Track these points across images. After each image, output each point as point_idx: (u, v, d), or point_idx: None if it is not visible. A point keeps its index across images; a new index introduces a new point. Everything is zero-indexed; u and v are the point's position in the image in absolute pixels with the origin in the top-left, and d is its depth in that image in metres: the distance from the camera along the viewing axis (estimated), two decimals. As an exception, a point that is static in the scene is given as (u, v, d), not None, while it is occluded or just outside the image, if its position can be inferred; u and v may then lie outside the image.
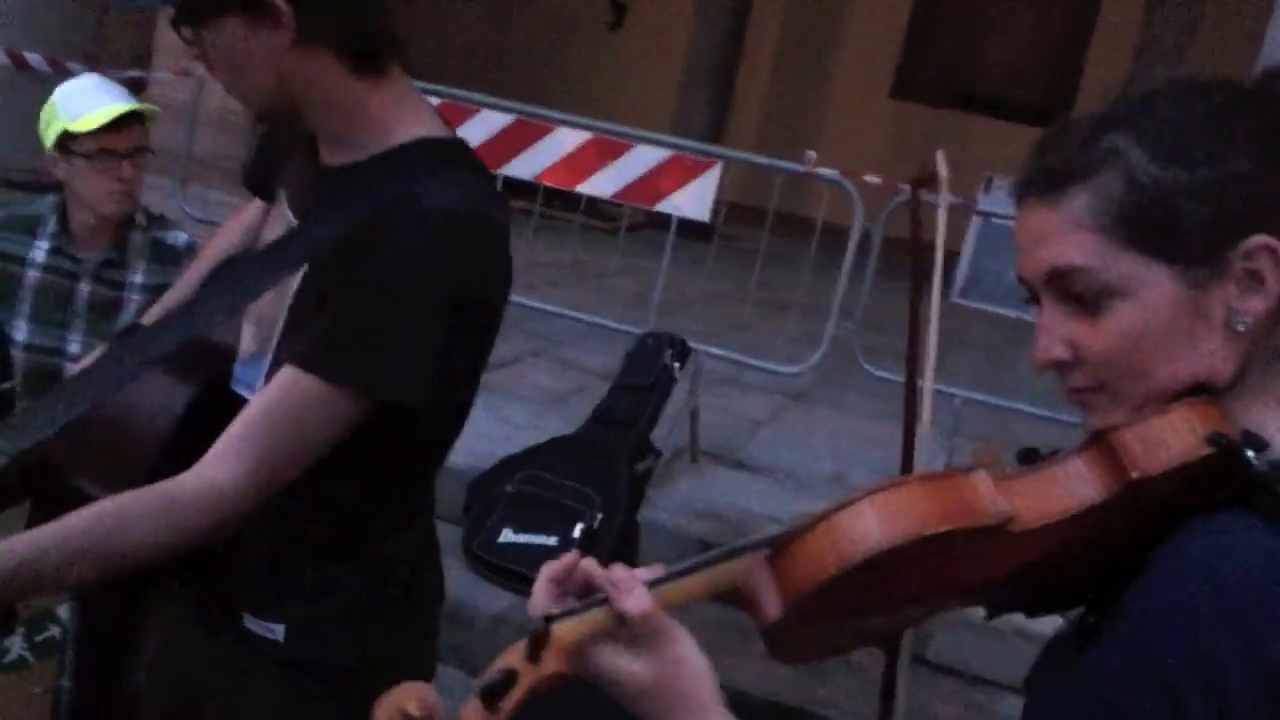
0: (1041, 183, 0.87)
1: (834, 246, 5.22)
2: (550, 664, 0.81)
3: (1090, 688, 0.77)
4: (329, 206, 1.31)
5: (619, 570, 0.82)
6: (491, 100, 5.27)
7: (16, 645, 2.00)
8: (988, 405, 4.78)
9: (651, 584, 0.82)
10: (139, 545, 1.19)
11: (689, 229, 5.35)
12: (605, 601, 0.81)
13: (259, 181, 1.59)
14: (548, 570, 0.85)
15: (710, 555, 0.85)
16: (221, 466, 1.23)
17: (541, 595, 0.84)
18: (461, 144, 1.39)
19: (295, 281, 1.33)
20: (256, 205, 1.66)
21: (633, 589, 0.80)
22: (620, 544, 3.47)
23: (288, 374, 1.25)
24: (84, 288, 2.49)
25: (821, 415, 5.13)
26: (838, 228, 5.23)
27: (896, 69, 10.34)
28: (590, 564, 0.84)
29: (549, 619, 0.81)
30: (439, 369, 1.28)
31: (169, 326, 1.30)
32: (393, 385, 1.27)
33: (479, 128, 5.09)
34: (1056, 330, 0.87)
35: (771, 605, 0.82)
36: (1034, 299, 0.90)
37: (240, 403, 1.32)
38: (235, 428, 1.25)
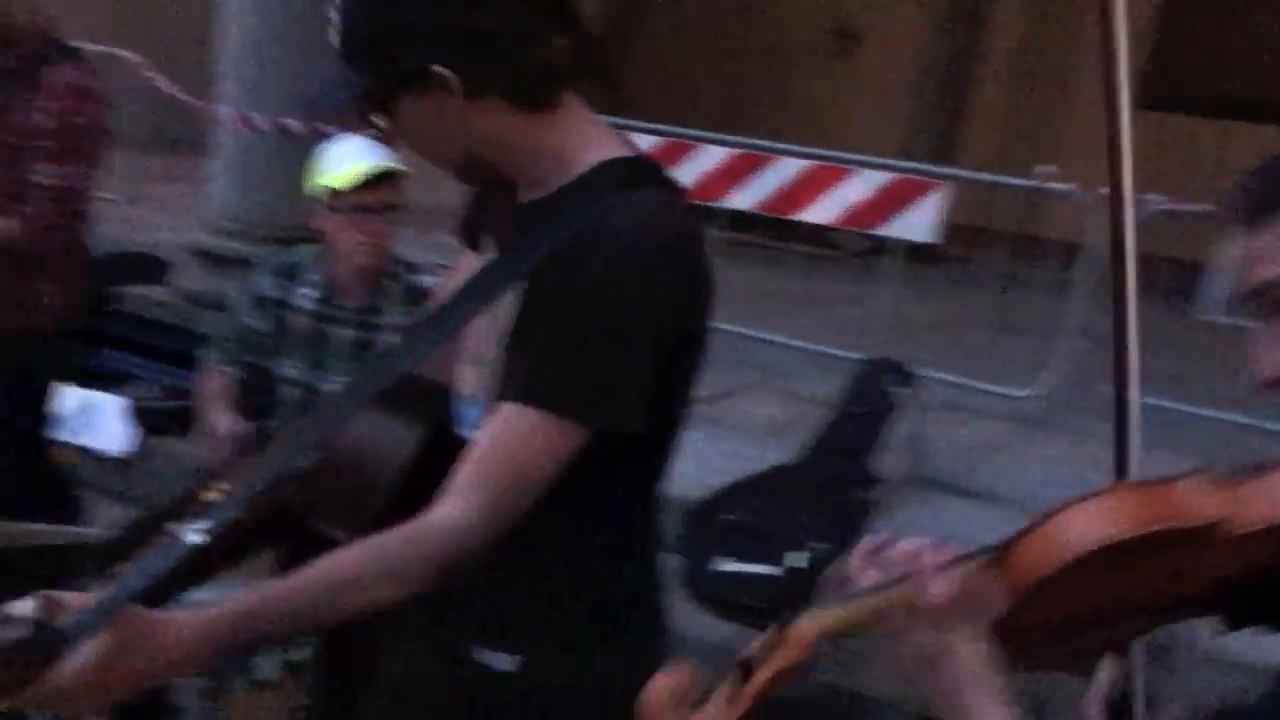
0: (1250, 208, 0.94)
1: (1073, 265, 5.00)
2: (791, 653, 0.95)
3: None
4: (523, 240, 1.36)
5: (927, 557, 0.91)
6: (711, 135, 5.36)
7: (267, 664, 2.15)
8: (1253, 429, 4.41)
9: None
10: (381, 588, 1.25)
11: (917, 252, 5.25)
12: (898, 582, 0.91)
13: (470, 234, 1.70)
14: (864, 546, 0.96)
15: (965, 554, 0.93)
16: (457, 506, 1.26)
17: (853, 564, 0.96)
18: (646, 161, 1.40)
19: (507, 320, 1.38)
20: (472, 255, 1.77)
21: (937, 576, 0.89)
22: (841, 575, 3.45)
23: (509, 409, 1.29)
24: (343, 332, 2.68)
25: (1057, 441, 4.92)
26: (1078, 246, 5.00)
27: (1142, 75, 9.80)
28: (905, 544, 0.95)
29: (783, 624, 0.96)
30: (652, 389, 1.31)
31: (379, 367, 1.38)
32: (610, 411, 1.29)
33: (701, 162, 5.18)
34: (1275, 345, 0.93)
35: (997, 601, 0.89)
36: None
37: (462, 444, 1.37)
38: (465, 466, 1.29)
